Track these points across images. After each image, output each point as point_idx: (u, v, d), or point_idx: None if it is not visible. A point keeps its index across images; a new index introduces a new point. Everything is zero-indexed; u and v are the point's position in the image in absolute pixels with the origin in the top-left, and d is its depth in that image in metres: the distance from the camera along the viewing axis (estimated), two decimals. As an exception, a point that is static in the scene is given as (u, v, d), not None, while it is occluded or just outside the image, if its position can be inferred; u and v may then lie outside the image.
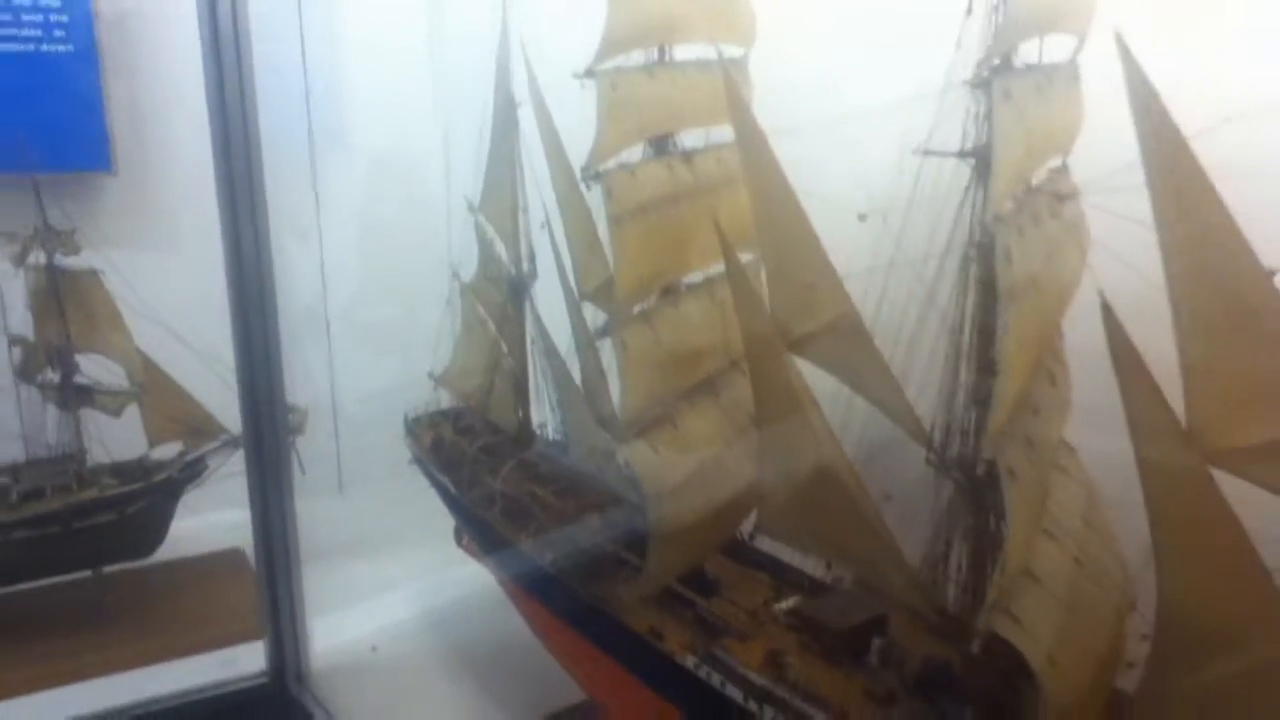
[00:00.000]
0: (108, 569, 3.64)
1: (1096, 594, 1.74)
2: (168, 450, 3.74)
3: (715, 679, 2.20)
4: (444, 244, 3.88)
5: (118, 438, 3.70)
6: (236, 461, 3.57)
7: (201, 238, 3.30)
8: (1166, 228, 1.55)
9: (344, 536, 3.82)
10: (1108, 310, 1.65)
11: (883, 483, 2.15)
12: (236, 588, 3.73)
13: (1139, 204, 1.60)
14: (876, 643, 2.15)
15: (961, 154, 1.74)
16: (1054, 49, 1.88)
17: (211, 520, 3.94)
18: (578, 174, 2.53)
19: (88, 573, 3.61)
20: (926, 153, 1.76)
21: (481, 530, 3.13)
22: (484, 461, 3.18)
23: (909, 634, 2.14)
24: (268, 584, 3.34)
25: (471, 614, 3.56)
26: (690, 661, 2.26)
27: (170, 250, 3.88)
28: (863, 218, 2.05)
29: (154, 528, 3.70)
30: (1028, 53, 1.83)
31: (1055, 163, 1.91)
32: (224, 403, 3.57)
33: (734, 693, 2.14)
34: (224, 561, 3.95)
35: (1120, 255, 1.71)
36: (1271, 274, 1.59)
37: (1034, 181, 1.79)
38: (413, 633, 3.55)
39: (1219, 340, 1.53)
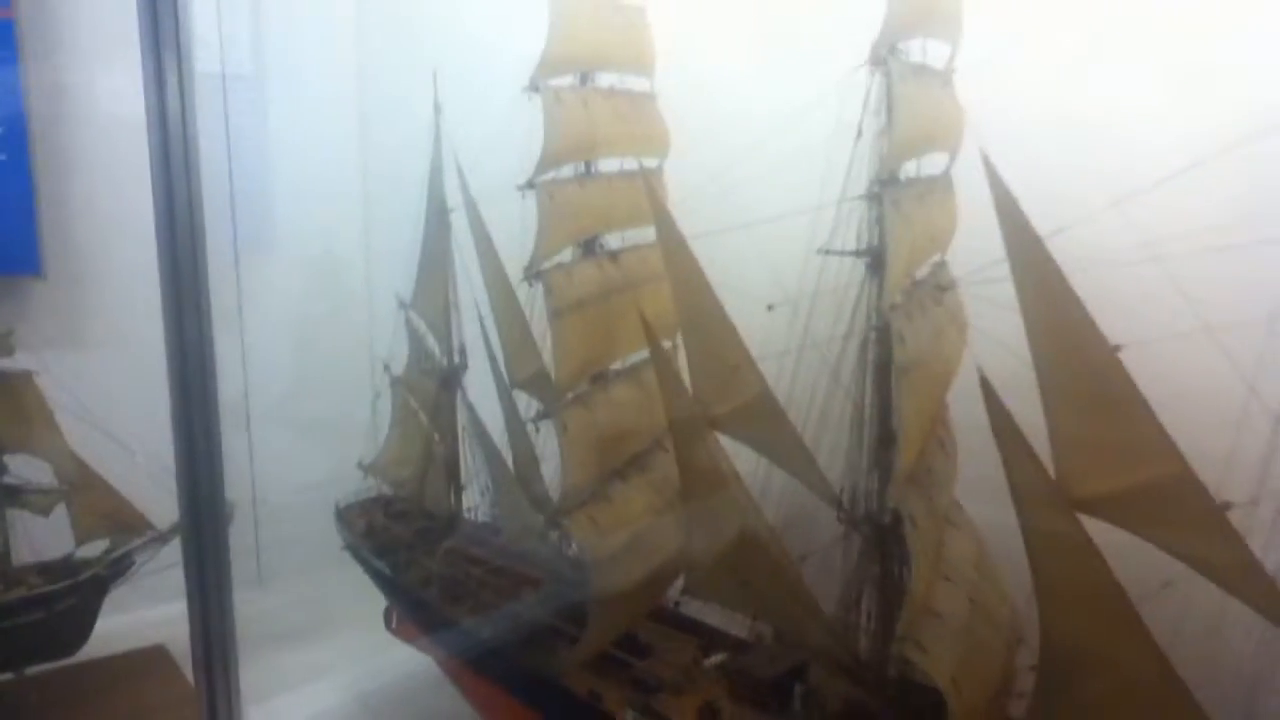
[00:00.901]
0: (31, 669, 3.63)
1: (989, 630, 2.00)
2: (93, 548, 3.77)
3: (655, 732, 2.39)
4: (367, 341, 4.07)
5: (40, 537, 3.73)
6: (163, 558, 3.66)
7: (136, 337, 3.43)
8: (1030, 314, 1.86)
9: (273, 628, 3.87)
10: (986, 385, 1.95)
11: (799, 544, 2.40)
12: (164, 683, 3.74)
13: (1009, 292, 1.92)
14: (799, 689, 2.37)
15: (858, 253, 2.04)
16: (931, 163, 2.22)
17: (133, 618, 3.96)
18: (508, 273, 2.79)
19: (10, 675, 3.60)
20: (828, 252, 2.06)
21: (420, 611, 3.27)
22: (420, 544, 3.33)
23: (827, 680, 2.37)
24: (205, 675, 3.40)
25: (407, 696, 3.65)
26: (630, 717, 2.44)
27: (103, 350, 3.95)
28: (771, 308, 2.34)
29: (81, 625, 3.69)
30: (909, 168, 2.17)
31: (936, 258, 2.23)
32: (151, 500, 3.68)
33: (673, 742, 2.34)
34: (149, 658, 3.95)
35: (996, 337, 2.03)
36: (1116, 349, 1.91)
37: (918, 275, 2.09)
38: (350, 716, 3.62)
39: (1077, 407, 1.83)
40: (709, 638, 2.74)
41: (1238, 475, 1.76)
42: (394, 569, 3.38)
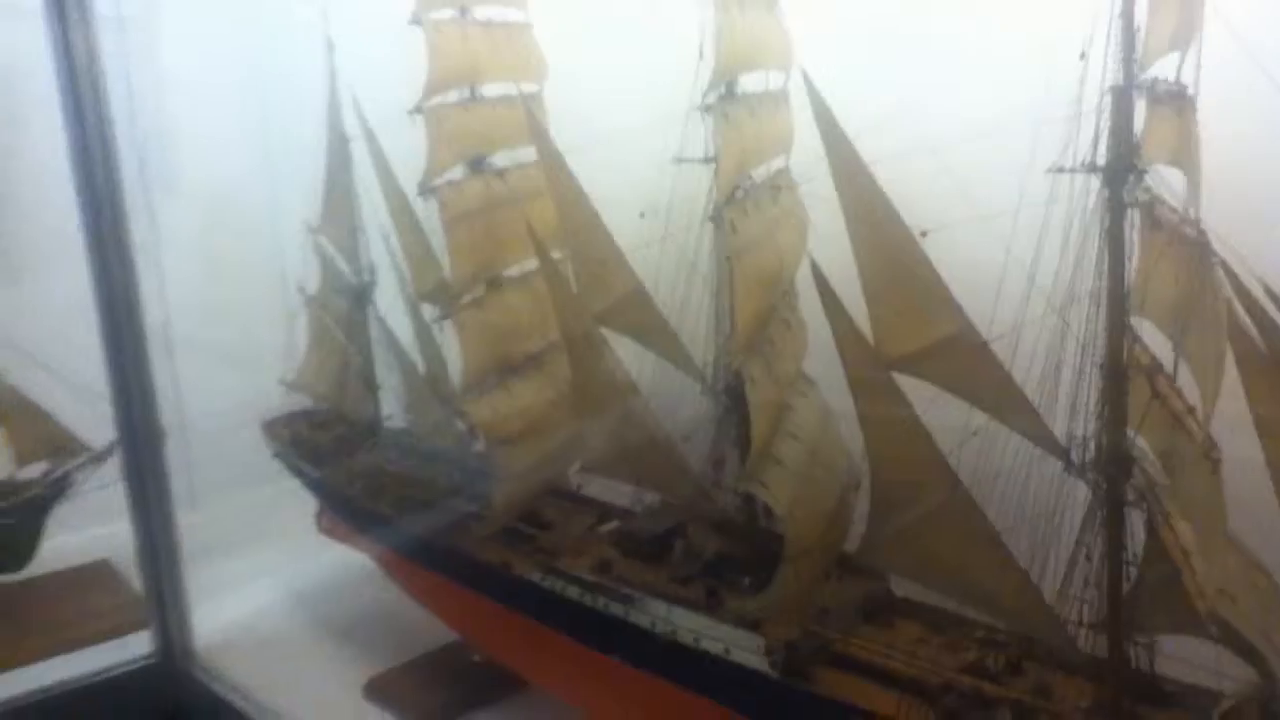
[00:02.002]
0: (-15, 583, 3.89)
1: (827, 475, 2.40)
2: (33, 472, 4.00)
3: (559, 585, 2.76)
4: (279, 267, 4.29)
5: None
6: (102, 478, 3.92)
7: (61, 274, 3.67)
8: (845, 203, 2.22)
9: (210, 540, 4.14)
10: (815, 268, 2.31)
11: (674, 426, 2.76)
12: (111, 592, 4.04)
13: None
14: (678, 543, 2.76)
15: (705, 160, 2.37)
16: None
17: (77, 537, 4.21)
18: (409, 193, 3.08)
19: (-39, 590, 3.85)
20: (680, 161, 2.38)
21: (348, 508, 3.59)
22: (343, 449, 3.64)
23: (701, 535, 2.75)
24: (152, 575, 3.71)
25: (340, 588, 3.99)
26: (538, 576, 2.81)
27: (31, 288, 4.13)
28: (643, 215, 2.67)
29: (25, 543, 3.95)
30: (752, 81, 2.48)
31: (780, 163, 2.57)
32: (85, 425, 3.92)
33: (574, 592, 2.71)
34: (93, 572, 4.22)
35: (831, 233, 2.38)
36: (922, 234, 2.27)
37: (758, 177, 2.43)
38: (288, 609, 3.95)
39: (885, 280, 2.20)
40: (604, 511, 3.10)
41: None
42: (320, 471, 3.69)
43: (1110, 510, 1.96)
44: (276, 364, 4.12)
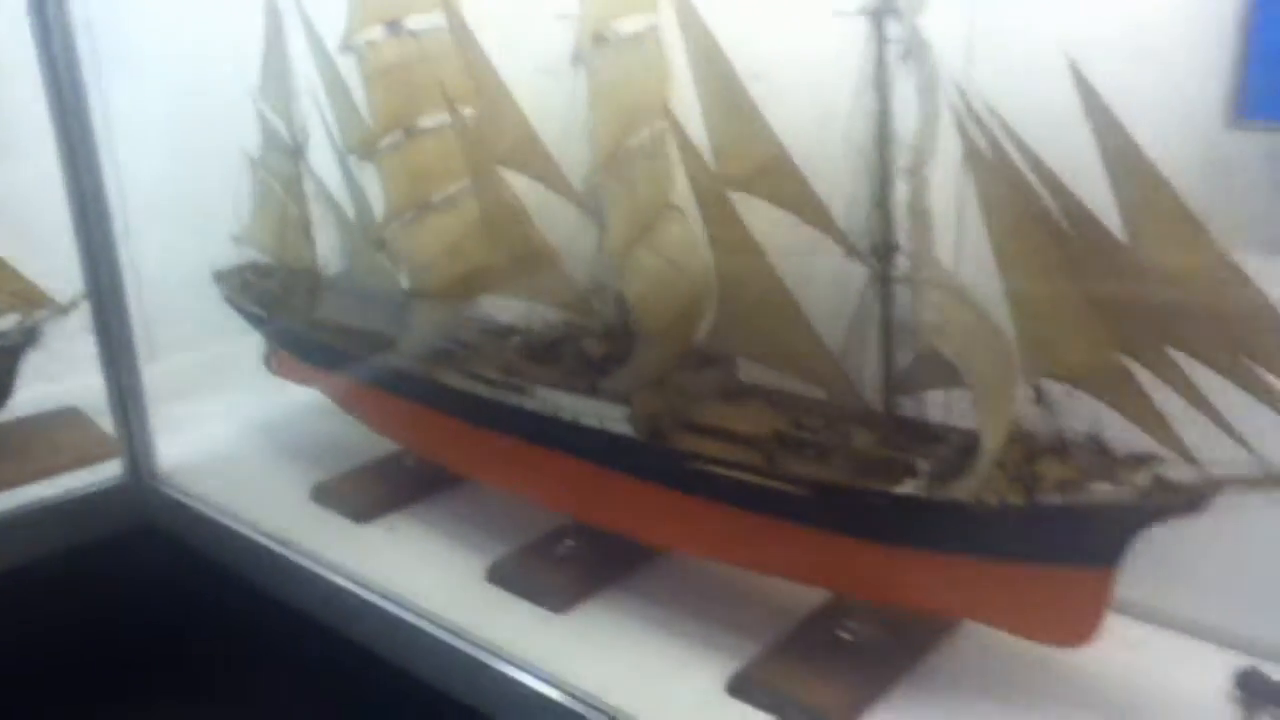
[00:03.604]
0: (-39, 424, 4.37)
1: (679, 279, 2.95)
2: (7, 322, 4.45)
3: (471, 385, 3.32)
4: (228, 134, 4.71)
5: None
6: (69, 334, 4.39)
7: (29, 151, 4.11)
8: (689, 52, 2.72)
9: (169, 387, 4.64)
10: (669, 113, 2.83)
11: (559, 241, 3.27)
12: (81, 430, 4.55)
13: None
14: (570, 348, 3.31)
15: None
16: None
17: (46, 388, 4.68)
18: (334, 58, 3.53)
19: (-57, 428, 4.33)
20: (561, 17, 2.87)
21: (296, 342, 4.11)
22: (286, 291, 4.15)
23: (590, 342, 3.31)
24: (119, 411, 4.23)
25: (289, 417, 4.53)
26: (454, 380, 3.37)
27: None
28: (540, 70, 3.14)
29: (2, 385, 4.43)
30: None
31: (647, 20, 3.05)
32: (52, 281, 4.37)
33: (483, 389, 3.28)
34: (64, 415, 4.71)
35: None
36: (755, 77, 2.78)
37: (622, 31, 2.93)
38: (244, 437, 4.50)
39: (721, 113, 2.72)
40: (514, 330, 3.64)
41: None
42: (267, 312, 4.19)
43: (881, 286, 2.53)
44: (227, 223, 4.57)
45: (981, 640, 2.80)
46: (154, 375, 4.49)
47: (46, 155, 4.07)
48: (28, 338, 4.40)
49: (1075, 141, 2.21)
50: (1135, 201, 2.15)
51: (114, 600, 3.84)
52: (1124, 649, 2.73)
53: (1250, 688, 2.57)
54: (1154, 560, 2.69)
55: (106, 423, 4.39)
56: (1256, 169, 2.41)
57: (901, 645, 2.83)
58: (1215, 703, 2.58)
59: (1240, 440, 2.17)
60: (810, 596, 2.98)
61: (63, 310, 4.40)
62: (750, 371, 3.16)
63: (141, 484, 4.16)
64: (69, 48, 3.86)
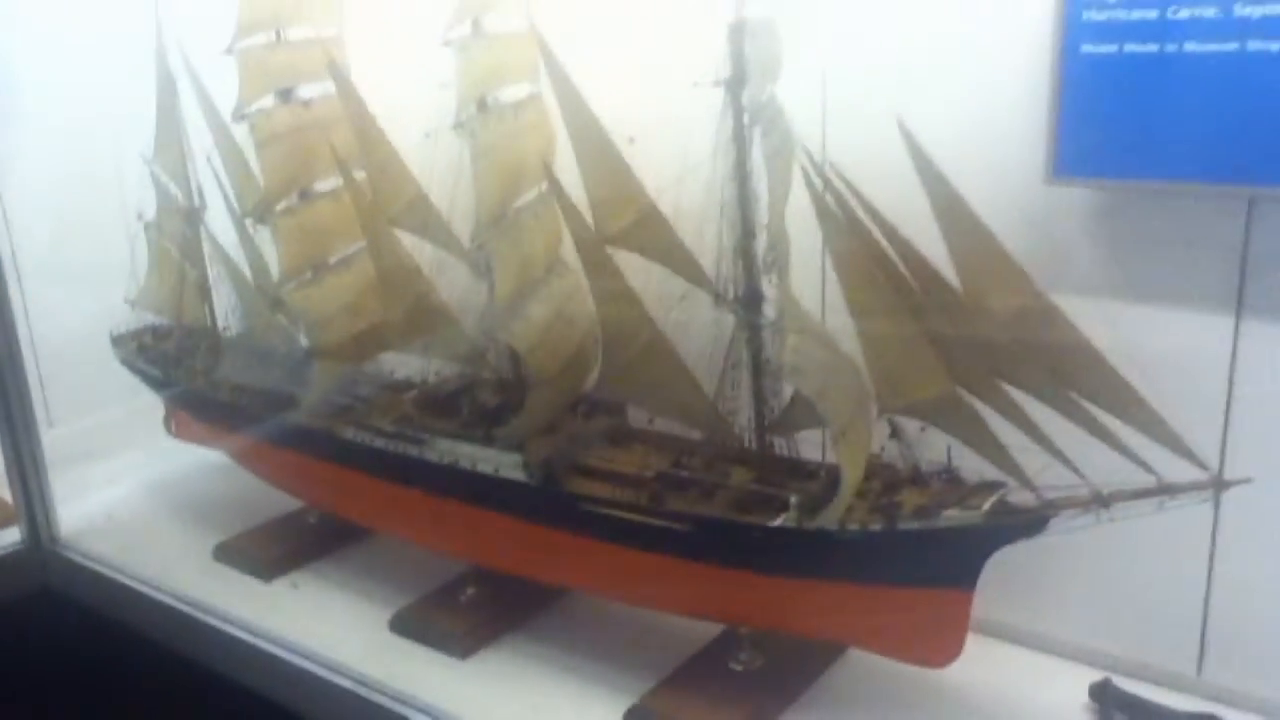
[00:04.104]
0: None
1: (567, 329, 3.10)
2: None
3: (368, 438, 3.43)
4: (118, 197, 4.76)
5: None
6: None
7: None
8: (564, 118, 2.90)
9: (68, 451, 4.64)
10: (548, 169, 3.00)
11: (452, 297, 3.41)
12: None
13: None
14: (465, 399, 3.44)
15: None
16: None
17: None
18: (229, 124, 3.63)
19: None
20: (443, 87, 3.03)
21: (192, 401, 4.16)
22: (184, 353, 4.21)
23: (484, 393, 3.44)
24: (19, 479, 4.22)
25: (189, 478, 4.55)
26: (350, 433, 3.47)
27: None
28: (427, 135, 3.29)
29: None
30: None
31: (527, 89, 3.23)
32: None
33: (380, 442, 3.39)
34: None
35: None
36: (630, 140, 2.97)
37: (503, 99, 3.10)
38: (144, 500, 4.51)
39: (594, 176, 2.89)
40: (410, 385, 3.75)
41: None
42: (165, 374, 4.24)
43: (749, 333, 2.72)
44: (121, 287, 4.61)
45: (866, 666, 2.98)
46: (53, 440, 4.50)
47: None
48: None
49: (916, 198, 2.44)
50: (963, 251, 2.38)
51: (15, 663, 3.82)
52: (994, 668, 2.98)
53: (1103, 698, 2.80)
54: (1024, 585, 2.95)
55: (3, 489, 4.36)
56: (1072, 220, 2.67)
57: (790, 673, 3.01)
58: (1074, 713, 2.80)
59: (1070, 465, 2.39)
60: (704, 631, 3.14)
61: (-43, 379, 4.36)
62: (639, 417, 3.32)
63: (41, 549, 4.15)
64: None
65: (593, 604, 3.39)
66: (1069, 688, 2.88)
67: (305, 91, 3.56)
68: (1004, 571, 2.64)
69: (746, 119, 2.59)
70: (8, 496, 4.34)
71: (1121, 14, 2.44)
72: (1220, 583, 2.78)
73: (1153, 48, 2.42)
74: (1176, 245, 2.61)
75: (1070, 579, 2.99)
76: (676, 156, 2.76)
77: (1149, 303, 2.67)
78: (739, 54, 2.53)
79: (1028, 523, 2.44)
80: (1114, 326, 2.54)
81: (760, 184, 2.66)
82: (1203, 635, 2.83)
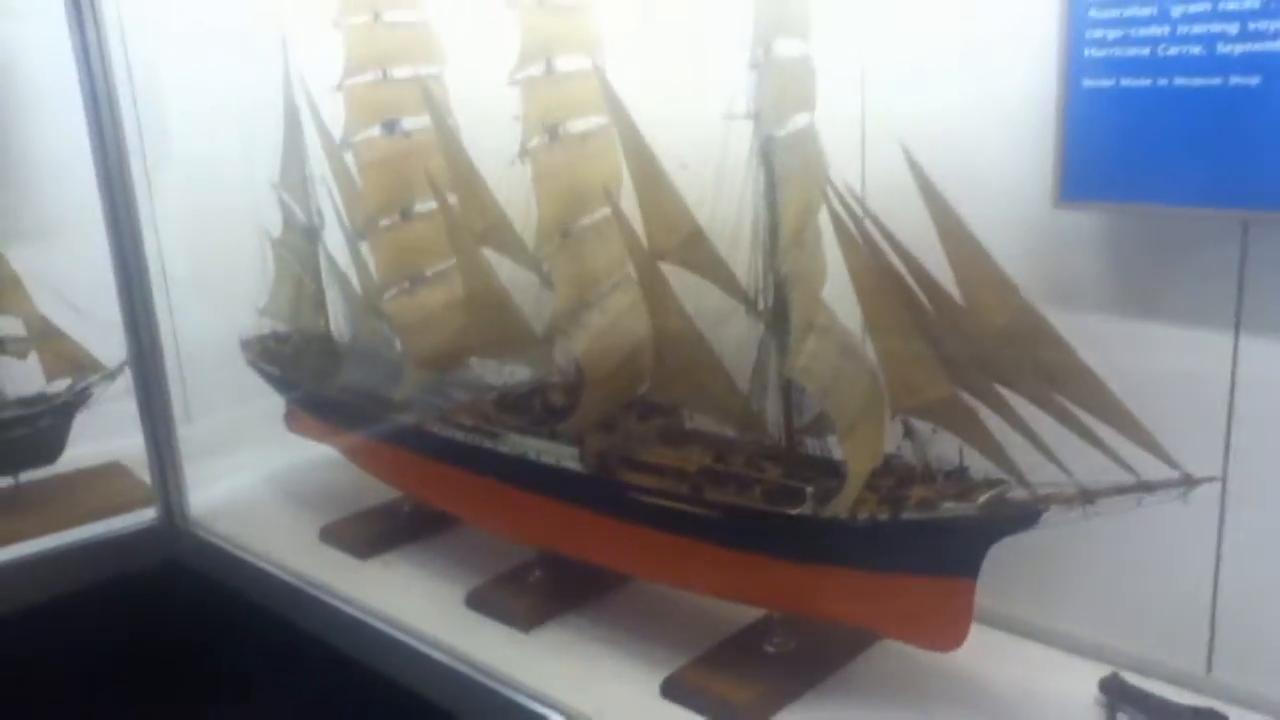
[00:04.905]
0: (24, 476, 4.94)
1: (621, 336, 3.43)
2: (60, 385, 5.05)
3: (451, 433, 3.83)
4: (253, 218, 5.34)
5: (18, 378, 5.00)
6: (113, 394, 4.97)
7: (78, 231, 4.77)
8: (623, 147, 3.25)
9: (202, 445, 5.20)
10: (608, 192, 3.36)
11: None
12: (123, 480, 5.12)
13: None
14: (537, 399, 3.82)
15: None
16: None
17: (91, 447, 5.25)
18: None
19: (8, 480, 4.90)
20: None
21: (306, 397, 4.66)
22: (301, 355, 4.71)
23: (553, 394, 3.81)
24: (157, 464, 4.80)
25: (304, 470, 5.06)
26: (437, 429, 3.88)
27: (57, 241, 5.19)
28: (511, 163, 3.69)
29: (55, 441, 4.99)
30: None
31: (595, 121, 3.59)
32: (99, 349, 4.96)
33: (460, 436, 3.78)
34: (107, 469, 5.28)
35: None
36: (683, 166, 3.30)
37: (572, 129, 3.48)
38: (264, 488, 5.04)
39: (649, 195, 3.22)
40: (494, 387, 4.14)
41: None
42: (284, 374, 4.75)
43: (777, 340, 3.01)
44: (254, 298, 5.17)
45: (889, 657, 3.23)
46: (188, 433, 5.07)
47: (96, 238, 4.71)
48: (79, 398, 4.98)
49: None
50: (964, 270, 2.62)
51: (148, 628, 4.35)
52: (1007, 661, 3.18)
53: (1111, 691, 2.96)
54: (1037, 581, 3.15)
55: (146, 475, 4.94)
56: (1080, 241, 2.88)
57: (818, 658, 3.26)
58: (1084, 706, 2.98)
59: (1058, 463, 2.61)
60: (744, 615, 3.42)
61: (110, 375, 4.97)
62: (699, 421, 3.63)
63: (174, 526, 4.71)
64: (120, 144, 4.51)
65: (646, 590, 3.70)
66: (1080, 681, 3.04)
67: (407, 123, 4.01)
68: (1018, 569, 2.86)
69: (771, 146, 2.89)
70: (148, 479, 4.93)
71: (1118, 51, 2.65)
72: (1227, 584, 2.91)
73: (1146, 82, 2.62)
74: (1177, 265, 2.79)
75: (1082, 576, 3.15)
76: (720, 181, 3.08)
77: (1153, 320, 2.85)
78: (762, 89, 2.83)
79: (1021, 515, 2.66)
80: (1120, 343, 2.77)
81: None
82: (1211, 635, 2.97)
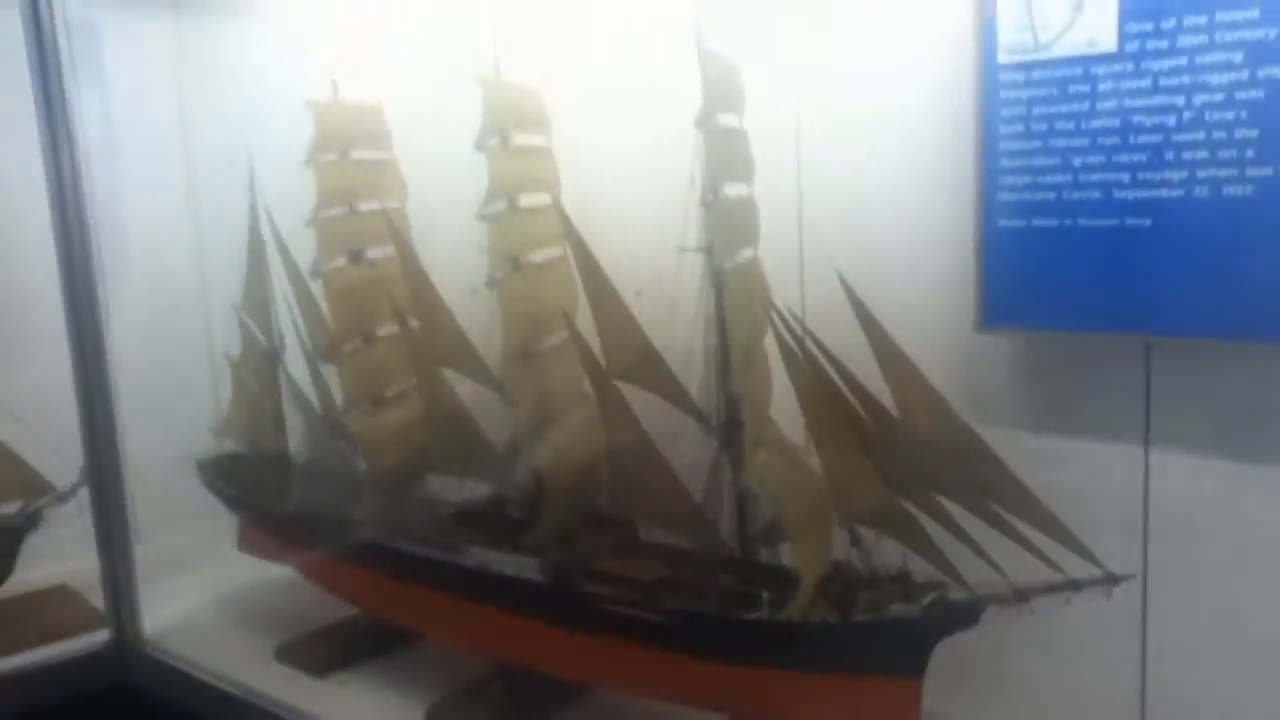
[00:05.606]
0: (-32, 602, 4.89)
1: (581, 450, 3.63)
2: (10, 508, 5.04)
3: (410, 548, 3.94)
4: (208, 340, 5.48)
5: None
6: (64, 515, 4.98)
7: (41, 345, 4.85)
8: (579, 272, 3.50)
9: (153, 565, 5.20)
10: (566, 314, 3.59)
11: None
12: (72, 602, 5.09)
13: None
14: (496, 514, 3.96)
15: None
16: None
17: (37, 572, 5.23)
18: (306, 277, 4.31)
19: (-48, 607, 4.86)
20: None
21: (261, 516, 4.73)
22: (259, 476, 4.80)
23: (512, 508, 3.96)
24: (111, 586, 4.80)
25: (257, 589, 5.08)
26: (396, 544, 3.99)
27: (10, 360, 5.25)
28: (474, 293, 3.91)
29: (3, 565, 4.98)
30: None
31: (551, 252, 3.85)
32: (49, 470, 4.99)
33: (420, 550, 3.90)
34: (55, 591, 5.24)
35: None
36: (637, 293, 3.55)
37: (536, 259, 3.72)
38: (217, 609, 5.04)
39: (605, 317, 3.46)
40: (453, 502, 4.28)
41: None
42: (243, 493, 4.83)
43: (730, 453, 3.23)
44: (207, 419, 5.26)
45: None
46: (140, 554, 5.08)
47: (56, 358, 4.78)
48: (29, 521, 4.98)
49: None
50: (899, 387, 2.88)
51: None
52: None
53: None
54: (977, 681, 3.33)
55: (94, 595, 4.92)
56: (1000, 363, 3.17)
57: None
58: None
59: (991, 563, 2.83)
60: (699, 720, 3.55)
61: (62, 498, 4.99)
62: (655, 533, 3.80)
63: (127, 648, 4.69)
64: (85, 262, 4.62)
65: (605, 701, 3.80)
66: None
67: (372, 253, 4.23)
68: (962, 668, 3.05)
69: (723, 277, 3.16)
70: (99, 603, 4.91)
71: (1028, 195, 2.99)
72: (1153, 687, 3.12)
73: (1054, 222, 2.95)
74: (1089, 385, 3.09)
75: (1020, 675, 3.34)
76: (672, 306, 3.33)
77: (1069, 435, 3.13)
78: (713, 225, 3.11)
79: (962, 615, 2.87)
80: (1040, 458, 3.03)
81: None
82: (1142, 727, 3.17)
